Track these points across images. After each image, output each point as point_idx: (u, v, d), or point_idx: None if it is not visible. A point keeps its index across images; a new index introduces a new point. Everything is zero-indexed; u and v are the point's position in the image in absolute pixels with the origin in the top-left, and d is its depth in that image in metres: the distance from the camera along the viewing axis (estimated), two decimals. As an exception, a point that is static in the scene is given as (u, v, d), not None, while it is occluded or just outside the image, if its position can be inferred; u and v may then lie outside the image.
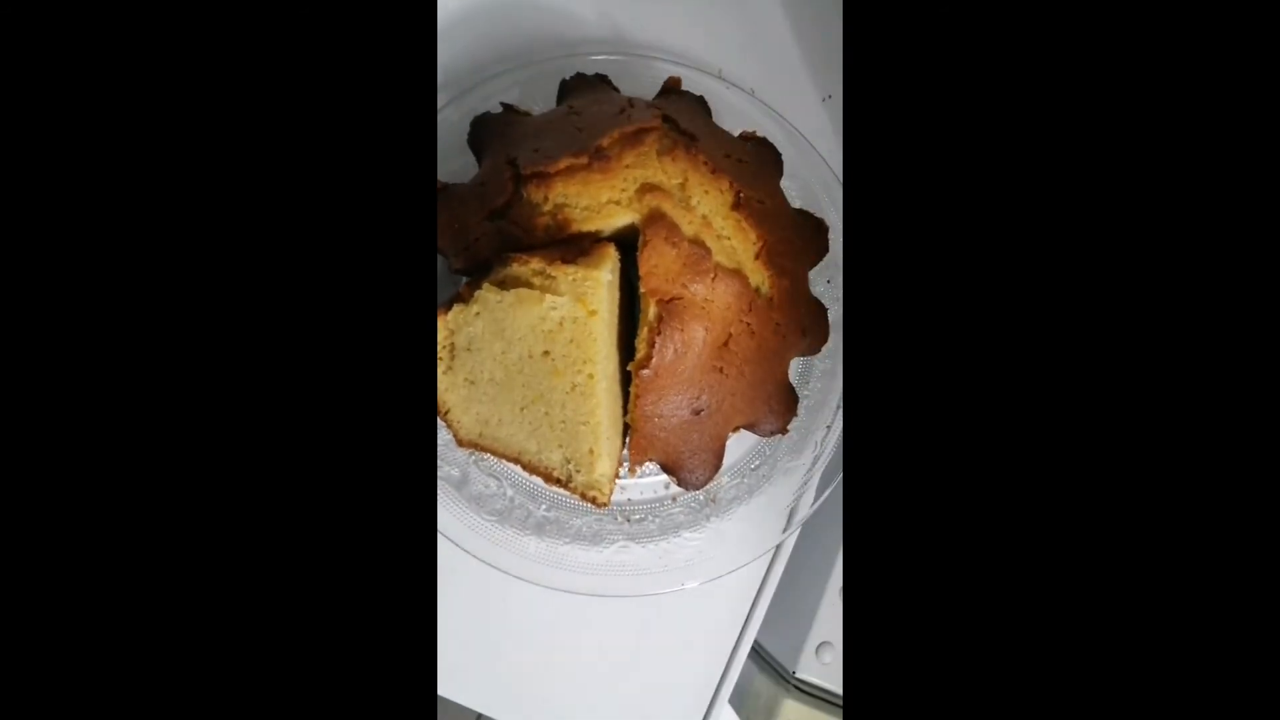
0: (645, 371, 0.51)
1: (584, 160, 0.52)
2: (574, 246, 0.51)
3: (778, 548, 0.71)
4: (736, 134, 0.64)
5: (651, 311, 0.51)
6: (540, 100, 0.69)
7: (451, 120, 0.67)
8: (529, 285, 0.50)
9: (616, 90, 0.61)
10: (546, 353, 0.51)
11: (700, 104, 0.61)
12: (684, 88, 0.63)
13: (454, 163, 0.66)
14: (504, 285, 0.51)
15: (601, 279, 0.49)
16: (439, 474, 0.64)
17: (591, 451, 0.52)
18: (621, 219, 0.52)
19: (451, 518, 0.64)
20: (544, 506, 0.65)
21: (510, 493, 0.65)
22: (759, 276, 0.55)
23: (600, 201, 0.52)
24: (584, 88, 0.60)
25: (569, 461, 0.53)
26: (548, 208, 0.52)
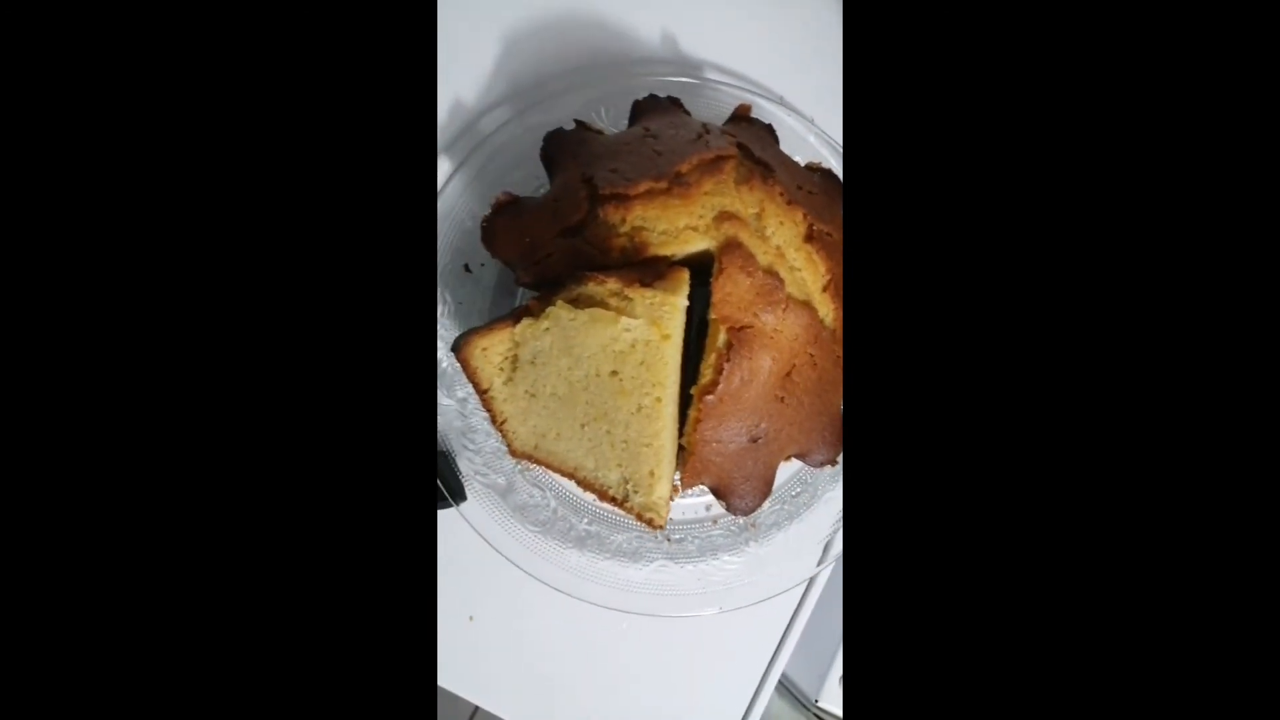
0: (710, 397, 0.52)
1: (664, 185, 0.52)
2: (649, 269, 0.51)
3: (813, 579, 0.71)
4: (799, 161, 0.65)
5: (721, 338, 0.52)
6: (604, 118, 0.69)
7: (516, 133, 0.67)
8: (604, 305, 0.50)
9: (688, 114, 0.61)
10: (615, 373, 0.51)
11: (770, 132, 0.61)
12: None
13: (515, 174, 0.67)
14: (577, 303, 0.51)
15: (679, 304, 0.50)
16: (486, 481, 0.64)
17: (652, 474, 0.52)
18: (697, 245, 0.52)
19: (495, 525, 0.64)
20: (585, 520, 0.66)
21: (554, 504, 0.65)
22: (825, 308, 0.55)
23: (678, 226, 0.52)
24: (657, 110, 0.61)
25: (627, 481, 0.54)
26: (625, 229, 0.52)
